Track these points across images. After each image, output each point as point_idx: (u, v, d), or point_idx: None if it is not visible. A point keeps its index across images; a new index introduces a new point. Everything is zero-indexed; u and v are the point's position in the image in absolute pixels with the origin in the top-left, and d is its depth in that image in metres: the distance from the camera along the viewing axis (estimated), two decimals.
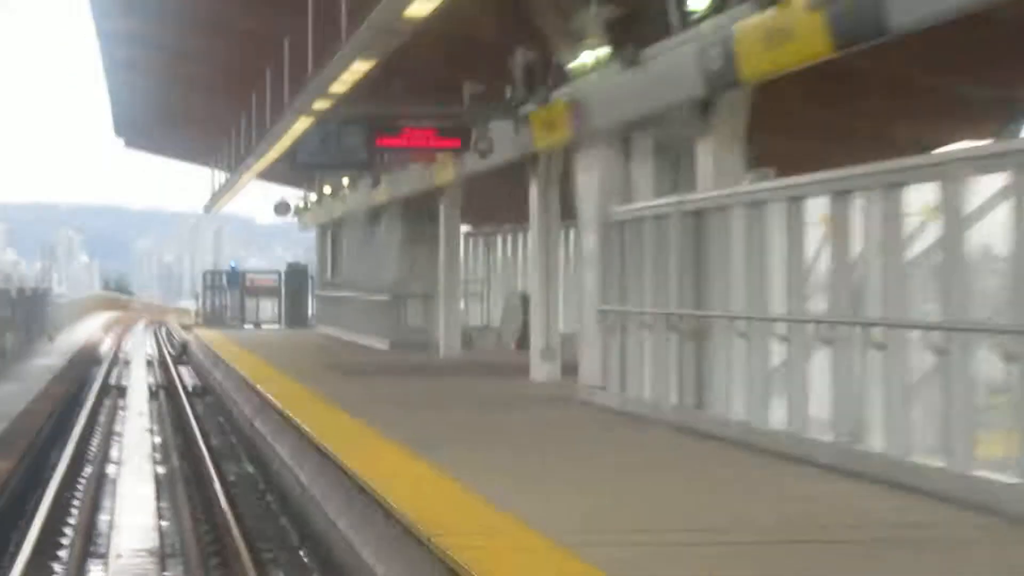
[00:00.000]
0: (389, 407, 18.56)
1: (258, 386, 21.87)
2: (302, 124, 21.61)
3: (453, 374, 24.75)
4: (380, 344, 32.99)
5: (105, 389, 31.29)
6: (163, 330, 68.63)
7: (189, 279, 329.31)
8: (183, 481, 17.70)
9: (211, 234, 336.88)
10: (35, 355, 36.44)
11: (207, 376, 33.01)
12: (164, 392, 31.43)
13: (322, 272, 44.20)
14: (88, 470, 18.74)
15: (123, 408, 27.76)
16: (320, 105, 18.89)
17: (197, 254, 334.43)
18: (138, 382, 33.60)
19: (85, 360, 37.63)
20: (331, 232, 42.92)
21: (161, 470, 19.30)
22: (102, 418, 25.81)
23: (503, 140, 21.77)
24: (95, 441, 22.08)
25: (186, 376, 37.71)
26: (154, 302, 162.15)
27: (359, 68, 17.74)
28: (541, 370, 22.68)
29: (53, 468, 17.66)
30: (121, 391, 31.40)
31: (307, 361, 29.05)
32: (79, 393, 29.05)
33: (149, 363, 41.13)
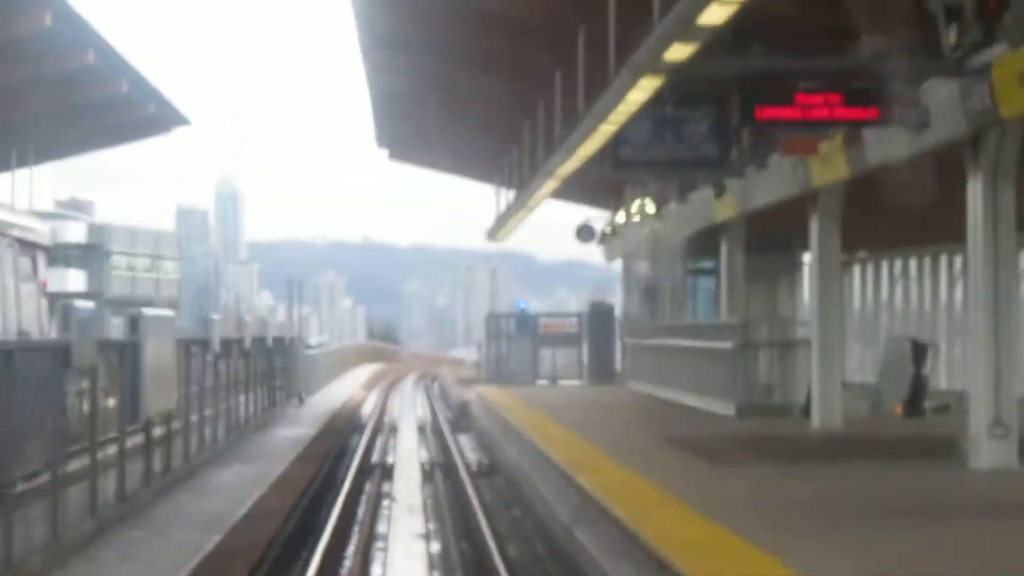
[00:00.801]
0: (796, 520, 13.50)
1: (576, 476, 17.09)
2: (635, 97, 16.75)
3: (848, 458, 19.53)
4: (720, 408, 27.94)
5: (365, 469, 27.10)
6: (436, 386, 64.97)
7: (463, 325, 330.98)
8: None
9: (487, 273, 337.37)
10: (280, 423, 32.59)
11: (495, 450, 28.55)
12: (441, 473, 27.09)
13: (634, 314, 39.47)
14: None
15: (388, 498, 23.35)
16: (675, 55, 13.99)
17: (471, 297, 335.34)
18: (407, 458, 29.33)
19: (341, 428, 33.61)
20: (647, 262, 38.19)
21: None
22: (360, 513, 21.44)
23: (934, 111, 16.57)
24: (348, 559, 17.56)
25: (467, 448, 33.42)
26: (424, 352, 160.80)
27: (714, 16, 13.00)
28: (987, 452, 17.35)
29: None
30: (386, 472, 27.15)
31: (631, 434, 24.22)
32: (331, 477, 24.80)
33: (420, 431, 37.03)
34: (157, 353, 17.59)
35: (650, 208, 31.99)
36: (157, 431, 19.11)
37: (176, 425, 20.65)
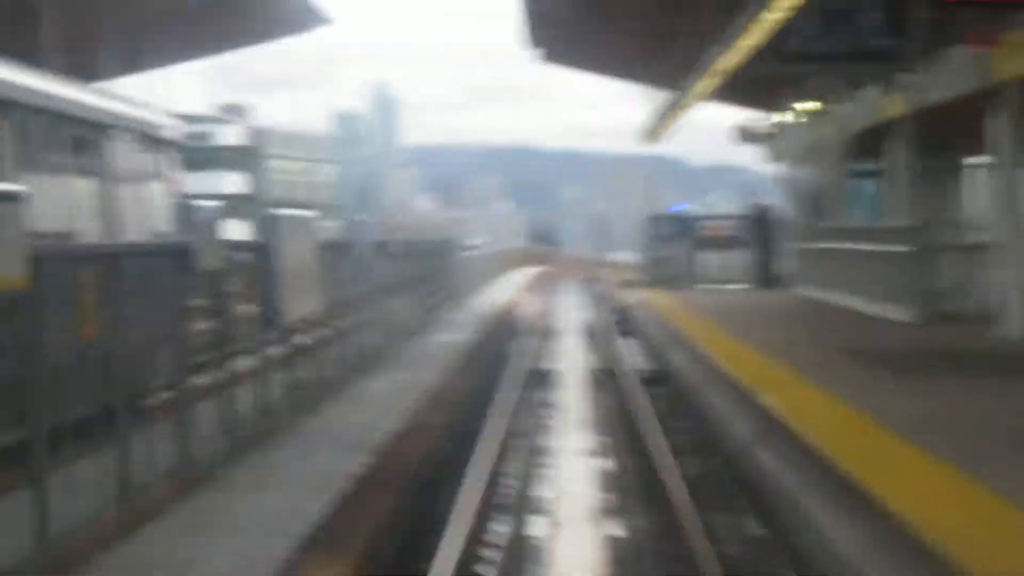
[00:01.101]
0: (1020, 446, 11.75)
1: (755, 392, 15.45)
2: None
3: None
4: (897, 314, 26.02)
5: (527, 377, 25.71)
6: (596, 289, 63.47)
7: (619, 229, 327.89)
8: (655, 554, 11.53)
9: (640, 179, 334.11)
10: (436, 328, 31.26)
11: (662, 357, 27.00)
12: (608, 379, 25.61)
13: (798, 217, 37.49)
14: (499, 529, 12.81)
15: (550, 408, 21.91)
16: None
17: (626, 201, 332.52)
18: (570, 365, 27.87)
19: (501, 333, 32.19)
20: (810, 163, 36.22)
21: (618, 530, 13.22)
22: (520, 426, 20.02)
23: None
24: (510, 478, 16.11)
25: (632, 354, 31.94)
26: (583, 255, 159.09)
27: None
28: None
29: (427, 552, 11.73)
30: (549, 380, 25.75)
31: (807, 343, 22.43)
32: (489, 387, 23.37)
33: (582, 335, 35.56)
34: (296, 256, 16.21)
35: (812, 107, 29.99)
36: (300, 339, 17.82)
37: (322, 332, 19.34)
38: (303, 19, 37.87)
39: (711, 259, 39.72)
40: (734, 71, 23.89)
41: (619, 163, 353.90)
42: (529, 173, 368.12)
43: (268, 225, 15.67)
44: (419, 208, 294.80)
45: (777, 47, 20.84)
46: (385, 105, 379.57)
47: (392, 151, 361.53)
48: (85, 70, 33.76)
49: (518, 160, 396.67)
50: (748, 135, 36.81)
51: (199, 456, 11.67)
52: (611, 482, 15.96)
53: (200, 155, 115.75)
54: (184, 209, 12.53)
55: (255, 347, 15.06)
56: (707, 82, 26.42)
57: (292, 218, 16.80)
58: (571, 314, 42.83)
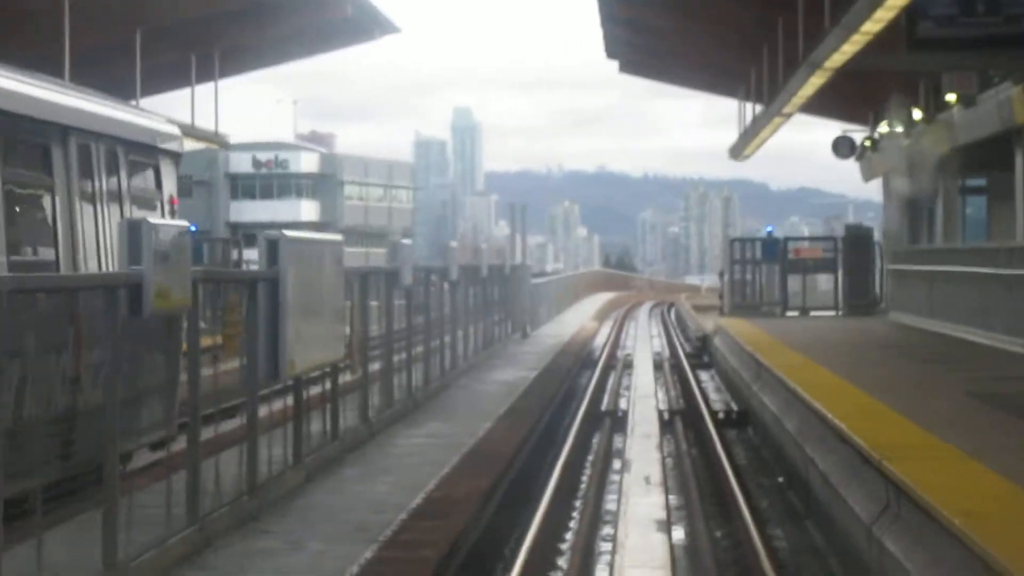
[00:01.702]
0: None
1: (880, 459, 11.85)
2: None
3: None
4: (1017, 346, 22.33)
5: (592, 418, 22.24)
6: (672, 314, 59.72)
7: (696, 253, 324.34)
8: None
9: (720, 202, 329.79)
10: (496, 363, 27.83)
11: (743, 392, 23.48)
12: (681, 421, 22.11)
13: (897, 238, 33.80)
14: None
15: (620, 460, 18.35)
16: None
17: (705, 225, 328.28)
18: (642, 403, 24.30)
19: (567, 366, 28.70)
20: (913, 177, 32.57)
21: None
22: (583, 487, 16.53)
23: None
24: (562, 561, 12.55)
25: (709, 387, 28.37)
26: (659, 279, 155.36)
27: None
28: None
29: None
30: (616, 420, 22.24)
31: (925, 385, 18.78)
32: (547, 437, 19.84)
33: (657, 367, 31.98)
34: (308, 288, 12.81)
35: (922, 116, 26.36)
36: (316, 389, 14.42)
37: (348, 378, 15.97)
38: (369, 27, 34.84)
39: (801, 284, 36.01)
40: (845, 65, 20.33)
41: (699, 187, 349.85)
42: (609, 198, 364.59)
43: (270, 251, 12.28)
44: (497, 234, 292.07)
45: (907, 33, 17.38)
46: (466, 131, 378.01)
47: (472, 177, 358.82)
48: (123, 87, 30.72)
49: (598, 185, 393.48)
50: (846, 146, 33.08)
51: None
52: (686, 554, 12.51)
53: (274, 182, 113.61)
54: (126, 228, 9.05)
55: (242, 405, 11.73)
56: (814, 80, 22.81)
57: (305, 241, 13.43)
58: (644, 345, 39.25)
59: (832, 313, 35.26)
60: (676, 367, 32.16)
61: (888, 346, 25.56)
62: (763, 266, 36.18)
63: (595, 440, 20.55)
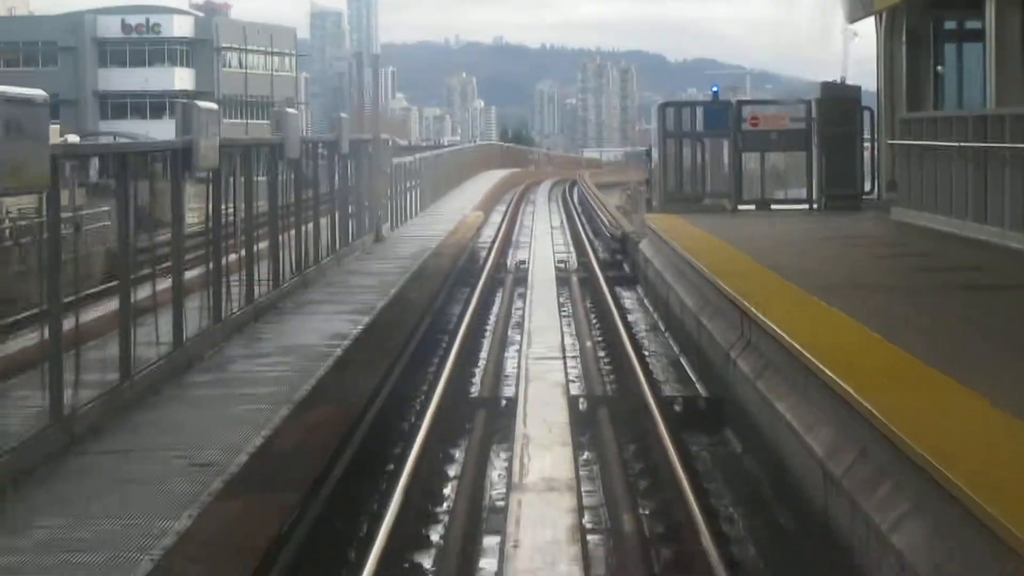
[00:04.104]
0: None
1: None
2: None
3: None
4: None
5: (452, 417, 11.89)
6: (575, 196, 49.22)
7: (595, 125, 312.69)
8: None
9: (617, 74, 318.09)
10: (318, 294, 17.27)
11: (707, 351, 13.29)
12: (608, 412, 11.96)
13: (906, 100, 23.21)
14: None
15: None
16: None
17: (602, 98, 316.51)
18: (539, 379, 13.89)
19: (425, 293, 18.10)
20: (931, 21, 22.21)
21: None
22: None
23: None
24: None
25: (642, 326, 18.19)
26: (557, 152, 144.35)
27: None
28: None
29: None
30: (497, 414, 12.02)
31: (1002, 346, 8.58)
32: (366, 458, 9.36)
33: (562, 284, 21.67)
34: None
35: None
36: None
37: None
38: None
39: (759, 166, 25.05)
40: None
41: (596, 57, 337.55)
42: (506, 70, 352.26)
43: None
44: (394, 106, 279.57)
45: None
46: (362, 1, 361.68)
47: (369, 49, 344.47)
48: None
49: (496, 56, 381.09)
50: None
51: None
52: None
53: (146, 48, 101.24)
54: None
55: None
56: None
57: None
58: (543, 247, 28.65)
59: (803, 207, 24.61)
60: (588, 284, 21.78)
61: (925, 270, 14.99)
62: (706, 141, 25.35)
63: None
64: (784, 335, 10.79)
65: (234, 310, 14.14)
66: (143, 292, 11.38)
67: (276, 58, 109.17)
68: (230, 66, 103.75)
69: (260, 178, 16.96)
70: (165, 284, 12.24)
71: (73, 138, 45.90)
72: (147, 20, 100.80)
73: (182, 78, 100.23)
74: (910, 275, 14.83)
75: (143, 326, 11.24)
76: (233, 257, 14.49)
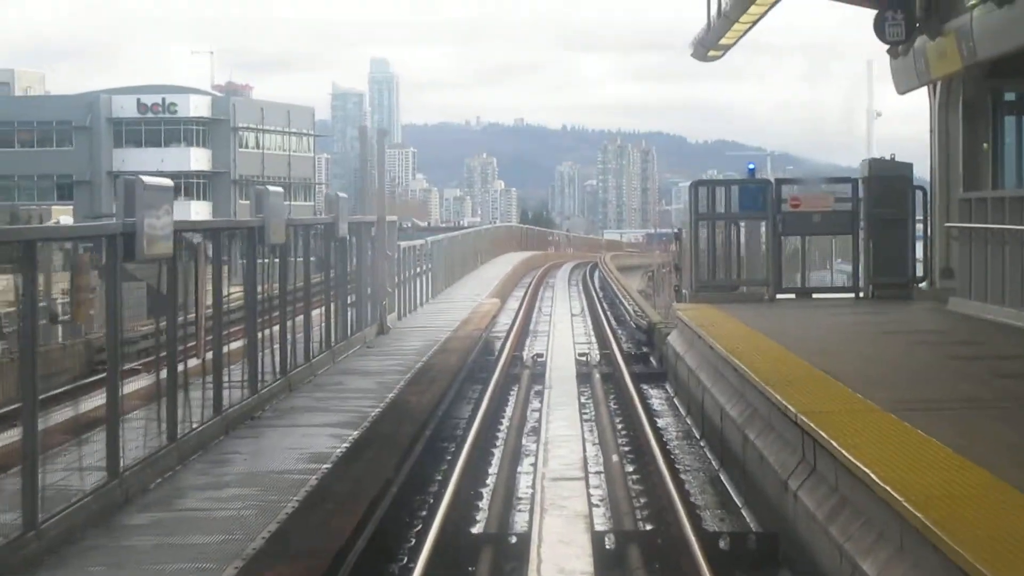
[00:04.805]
0: None
1: None
2: None
3: None
4: None
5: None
6: (595, 280, 46.92)
7: (615, 206, 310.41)
8: None
9: (637, 155, 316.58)
10: (305, 399, 14.94)
11: (732, 451, 10.89)
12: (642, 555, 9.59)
13: (963, 178, 20.84)
14: None
15: None
16: None
17: (623, 178, 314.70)
18: (557, 470, 11.54)
19: (427, 399, 15.70)
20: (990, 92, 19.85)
21: None
22: None
23: None
24: None
25: (672, 434, 15.84)
26: (577, 234, 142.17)
27: None
28: None
29: None
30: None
31: None
32: None
33: (582, 379, 19.33)
34: None
35: None
36: None
37: None
38: None
39: (800, 251, 22.54)
40: None
41: (616, 138, 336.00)
42: (527, 150, 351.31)
43: None
44: (415, 187, 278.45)
45: None
46: (384, 83, 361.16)
47: (389, 130, 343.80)
48: None
49: (516, 137, 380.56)
50: (897, 27, 20.07)
51: None
52: None
53: (162, 128, 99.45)
54: None
55: None
56: None
57: None
58: (566, 339, 26.28)
59: (849, 296, 22.16)
60: (612, 380, 19.42)
61: (1014, 377, 12.57)
62: (741, 223, 22.93)
63: None
64: (868, 472, 8.41)
65: (195, 425, 11.80)
66: (64, 410, 9.07)
67: (294, 138, 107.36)
68: (247, 146, 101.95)
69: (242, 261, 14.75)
70: (100, 397, 9.94)
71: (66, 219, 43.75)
72: (163, 100, 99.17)
73: (198, 158, 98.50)
74: (1003, 384, 12.39)
75: (65, 453, 8.94)
76: (195, 361, 12.17)
